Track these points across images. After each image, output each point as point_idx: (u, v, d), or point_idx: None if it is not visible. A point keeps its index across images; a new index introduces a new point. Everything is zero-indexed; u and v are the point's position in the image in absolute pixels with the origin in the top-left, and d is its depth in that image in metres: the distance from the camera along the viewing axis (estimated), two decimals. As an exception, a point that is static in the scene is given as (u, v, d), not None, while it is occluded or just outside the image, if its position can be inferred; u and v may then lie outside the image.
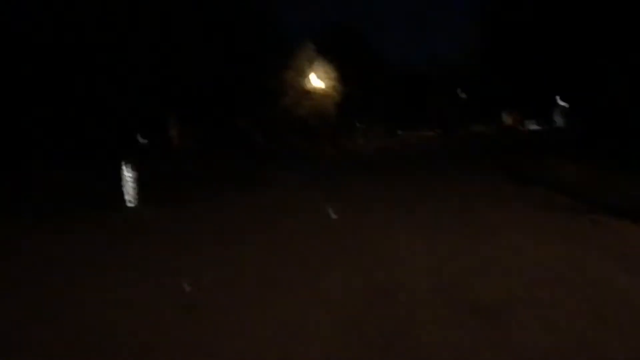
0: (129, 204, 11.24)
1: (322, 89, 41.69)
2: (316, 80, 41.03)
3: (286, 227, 8.68)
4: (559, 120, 44.21)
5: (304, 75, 40.59)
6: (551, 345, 3.52)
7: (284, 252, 6.94)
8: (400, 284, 5.09)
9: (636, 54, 16.45)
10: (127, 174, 11.15)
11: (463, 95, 68.31)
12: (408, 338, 3.79)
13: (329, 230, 8.26)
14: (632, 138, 16.73)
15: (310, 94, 40.65)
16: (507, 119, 61.11)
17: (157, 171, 18.50)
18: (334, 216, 8.86)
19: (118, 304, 5.02)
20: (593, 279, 4.93)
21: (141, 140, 30.03)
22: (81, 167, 17.45)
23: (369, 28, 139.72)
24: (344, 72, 43.99)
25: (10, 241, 8.83)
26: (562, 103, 40.79)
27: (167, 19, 25.73)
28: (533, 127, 49.52)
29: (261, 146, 38.49)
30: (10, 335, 4.38)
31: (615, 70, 17.77)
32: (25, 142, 20.41)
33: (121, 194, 11.82)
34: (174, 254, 7.19)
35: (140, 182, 12.01)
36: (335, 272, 5.66)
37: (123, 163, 11.25)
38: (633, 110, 18.43)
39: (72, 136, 22.59)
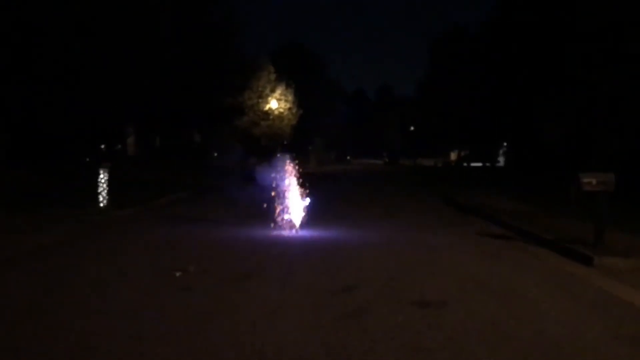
0: (101, 205, 11.94)
1: (279, 111, 42.83)
2: (274, 102, 42.13)
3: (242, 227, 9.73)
4: (502, 159, 47.93)
5: (262, 95, 41.58)
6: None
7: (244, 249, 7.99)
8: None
9: (559, 105, 18.51)
10: (102, 178, 11.86)
11: (412, 129, 70.81)
12: (368, 318, 4.91)
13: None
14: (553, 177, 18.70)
15: (268, 115, 41.68)
16: (452, 157, 64.40)
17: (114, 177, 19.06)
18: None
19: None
20: (510, 288, 6.19)
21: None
22: (45, 172, 17.85)
23: (326, 52, 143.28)
24: (301, 95, 45.40)
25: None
26: (505, 144, 44.28)
27: (129, 30, 26.17)
28: (475, 164, 52.38)
29: (215, 161, 39.07)
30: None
31: (541, 119, 19.83)
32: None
33: (88, 195, 12.54)
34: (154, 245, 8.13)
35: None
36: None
37: (100, 168, 11.94)
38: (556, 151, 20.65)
39: (34, 142, 22.83)
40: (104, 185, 11.94)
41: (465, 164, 55.37)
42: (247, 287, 5.99)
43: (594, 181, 8.31)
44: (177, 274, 6.32)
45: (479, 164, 50.82)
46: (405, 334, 4.45)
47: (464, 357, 3.98)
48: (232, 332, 4.46)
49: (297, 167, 10.62)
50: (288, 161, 10.63)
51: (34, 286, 5.96)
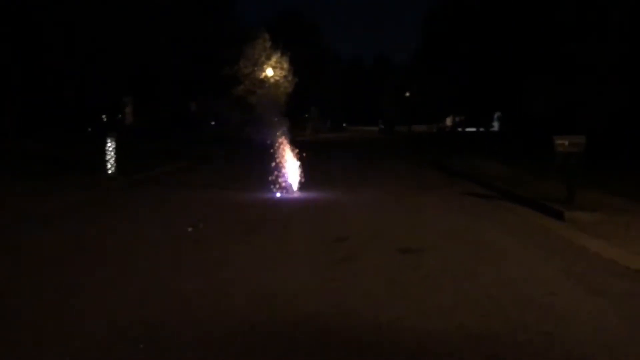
0: (109, 172, 12.64)
1: (275, 79, 43.13)
2: (269, 70, 42.40)
3: (234, 189, 10.53)
4: (496, 125, 48.75)
5: (257, 64, 41.84)
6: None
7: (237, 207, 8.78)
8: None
9: (545, 75, 19.31)
10: (109, 147, 12.53)
11: (407, 95, 70.97)
12: (356, 261, 5.73)
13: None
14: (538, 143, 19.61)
15: (264, 83, 42.02)
16: (448, 122, 65.04)
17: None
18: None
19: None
20: (483, 238, 7.01)
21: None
22: (52, 143, 18.47)
23: (322, 20, 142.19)
24: (297, 64, 45.69)
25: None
26: (498, 112, 45.11)
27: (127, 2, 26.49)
28: (470, 129, 53.11)
29: (212, 130, 39.65)
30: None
31: (530, 87, 20.62)
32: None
33: (95, 164, 13.26)
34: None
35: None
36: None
37: (107, 137, 12.59)
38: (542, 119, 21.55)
39: (39, 115, 23.44)
40: (111, 154, 12.62)
41: (460, 129, 56.02)
42: (252, 239, 6.81)
43: (566, 143, 9.07)
44: (189, 229, 7.12)
45: (474, 129, 51.54)
46: (388, 272, 5.29)
47: (435, 289, 4.81)
48: (241, 274, 5.28)
49: (293, 135, 11.42)
50: (284, 129, 11.47)
51: (66, 240, 6.75)
